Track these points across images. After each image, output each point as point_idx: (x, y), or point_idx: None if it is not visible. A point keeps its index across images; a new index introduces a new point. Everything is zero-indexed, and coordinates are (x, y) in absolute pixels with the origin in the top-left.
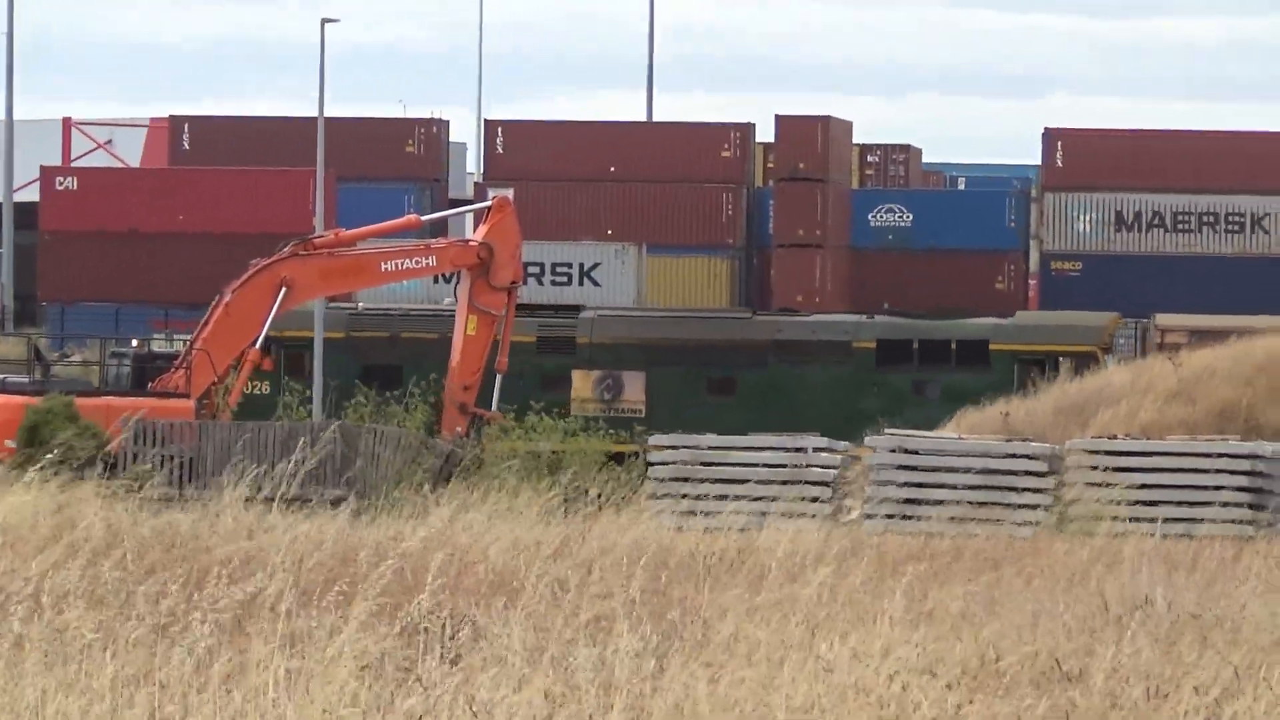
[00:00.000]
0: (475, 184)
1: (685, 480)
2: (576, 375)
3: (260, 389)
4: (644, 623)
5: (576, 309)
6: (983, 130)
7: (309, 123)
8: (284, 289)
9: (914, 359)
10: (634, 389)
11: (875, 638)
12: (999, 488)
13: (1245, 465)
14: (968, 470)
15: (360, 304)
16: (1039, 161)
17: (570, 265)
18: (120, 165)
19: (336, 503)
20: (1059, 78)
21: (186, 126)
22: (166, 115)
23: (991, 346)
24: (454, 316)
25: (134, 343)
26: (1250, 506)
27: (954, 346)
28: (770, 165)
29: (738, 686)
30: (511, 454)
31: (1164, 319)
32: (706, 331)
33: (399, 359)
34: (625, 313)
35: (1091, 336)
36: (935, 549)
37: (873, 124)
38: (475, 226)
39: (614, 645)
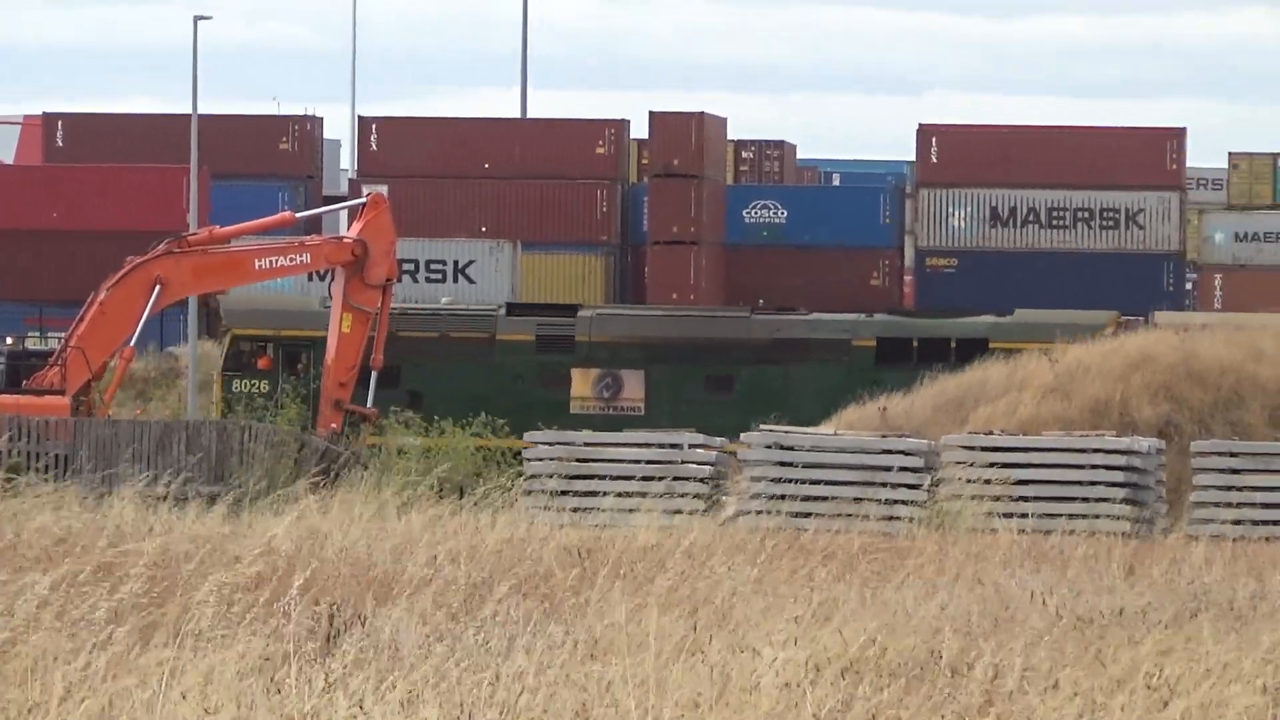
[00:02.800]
0: (349, 181)
1: (561, 477)
2: (576, 374)
3: (259, 387)
4: (530, 622)
5: (574, 308)
6: (859, 127)
7: (183, 120)
8: (158, 287)
9: (913, 357)
10: (633, 387)
11: (755, 633)
12: (875, 484)
13: (1121, 461)
14: (844, 466)
15: None
16: (914, 158)
17: (444, 262)
18: None
19: (212, 500)
20: (936, 75)
21: (60, 124)
22: (41, 113)
23: (991, 344)
24: (454, 315)
25: (8, 340)
26: (1126, 502)
27: (953, 344)
28: (644, 162)
29: (622, 684)
30: (387, 451)
31: (1163, 316)
32: (705, 330)
33: (396, 358)
34: (624, 311)
35: (1092, 335)
36: (811, 545)
37: (750, 121)
38: (349, 223)
39: (499, 641)
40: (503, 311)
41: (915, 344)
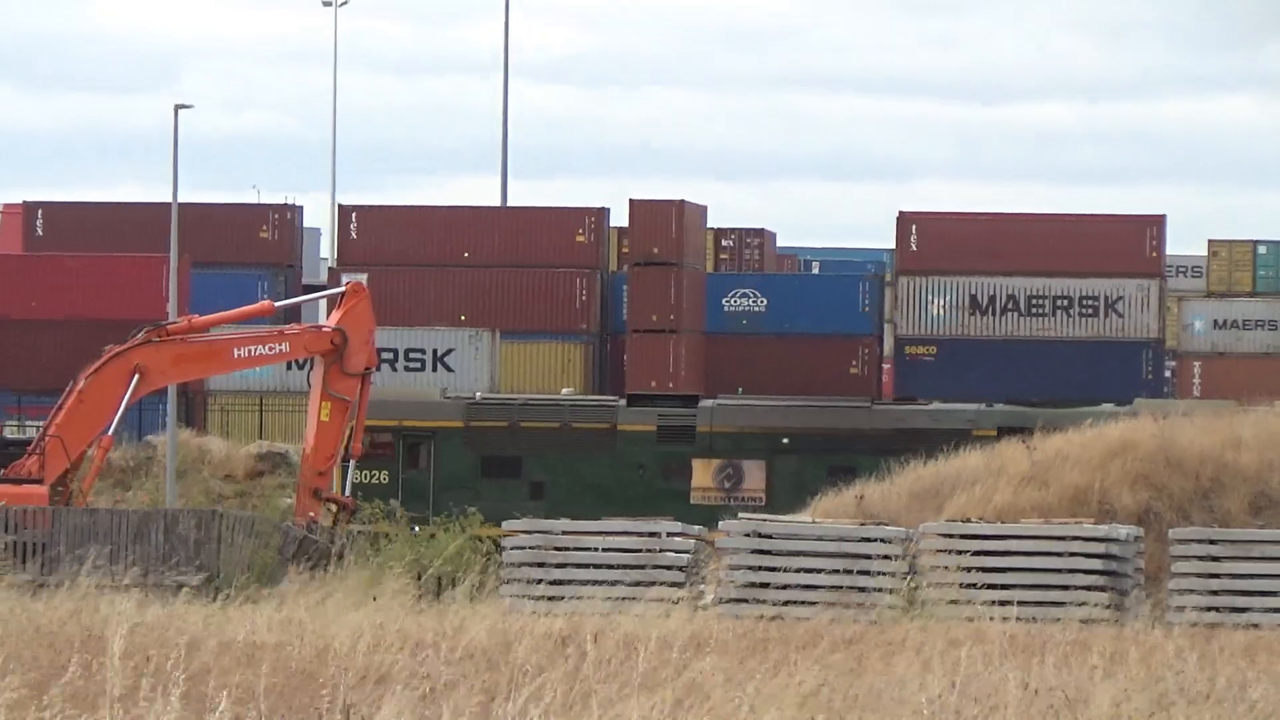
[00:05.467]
0: (329, 269)
1: (540, 565)
2: (697, 464)
3: (380, 478)
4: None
5: (695, 398)
6: (840, 215)
7: (163, 208)
8: (137, 375)
9: None
10: (754, 478)
11: None
12: (853, 571)
13: (1099, 549)
14: (822, 554)
15: (478, 393)
16: (893, 246)
17: (424, 351)
18: None
19: (191, 588)
20: (919, 163)
21: (40, 212)
22: (20, 201)
23: None
24: (575, 406)
25: None
26: (1104, 590)
27: None
28: (624, 250)
29: None
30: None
31: None
32: (827, 420)
33: (518, 449)
34: (745, 402)
35: None
36: (789, 633)
37: (730, 209)
38: (329, 312)
39: None
40: (623, 402)
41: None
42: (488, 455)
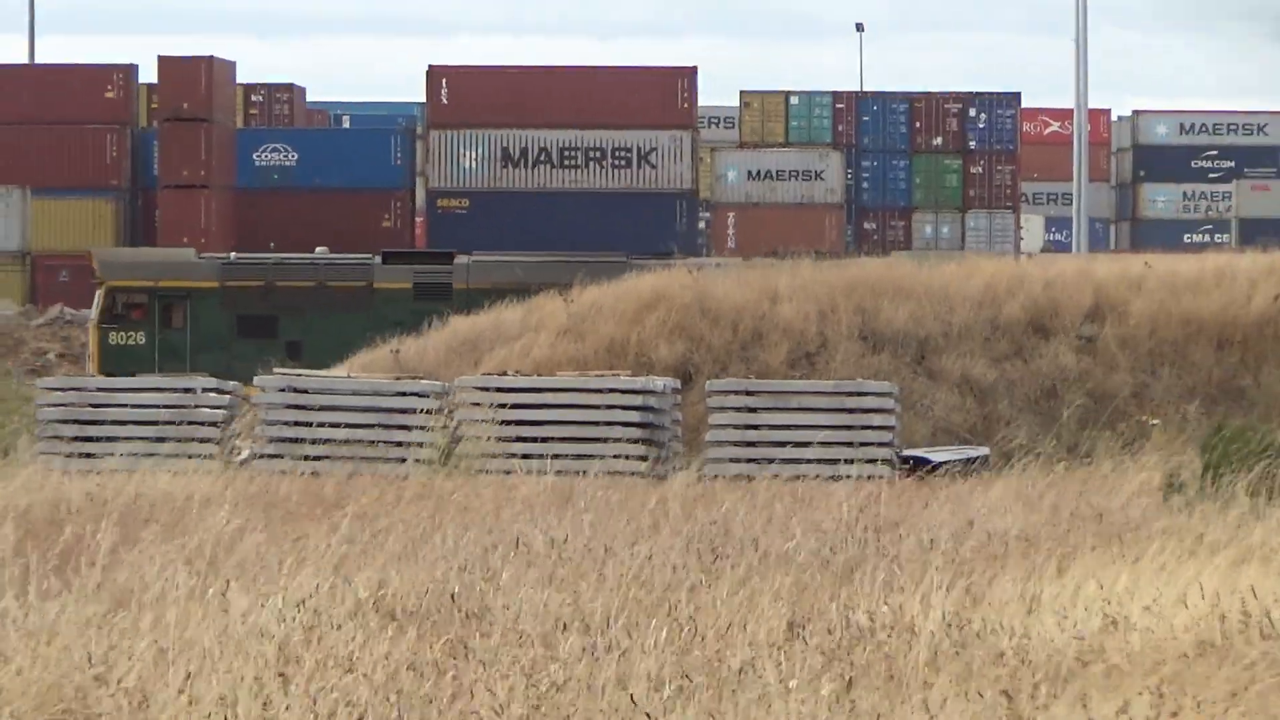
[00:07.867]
0: None
1: (74, 422)
2: (455, 321)
3: (135, 339)
4: (46, 575)
5: (450, 255)
6: (374, 70)
7: None
8: None
9: None
10: None
11: (264, 580)
12: (389, 426)
13: (637, 400)
14: (357, 409)
15: (233, 253)
16: (424, 100)
17: None
18: None
19: None
20: (456, 19)
21: None
22: None
23: None
24: (331, 265)
25: None
26: (642, 442)
27: None
28: (154, 106)
29: (131, 633)
30: None
31: None
32: (583, 275)
33: (273, 308)
34: (501, 257)
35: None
36: (324, 490)
37: (265, 66)
38: None
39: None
40: (379, 260)
41: None
42: (243, 315)
